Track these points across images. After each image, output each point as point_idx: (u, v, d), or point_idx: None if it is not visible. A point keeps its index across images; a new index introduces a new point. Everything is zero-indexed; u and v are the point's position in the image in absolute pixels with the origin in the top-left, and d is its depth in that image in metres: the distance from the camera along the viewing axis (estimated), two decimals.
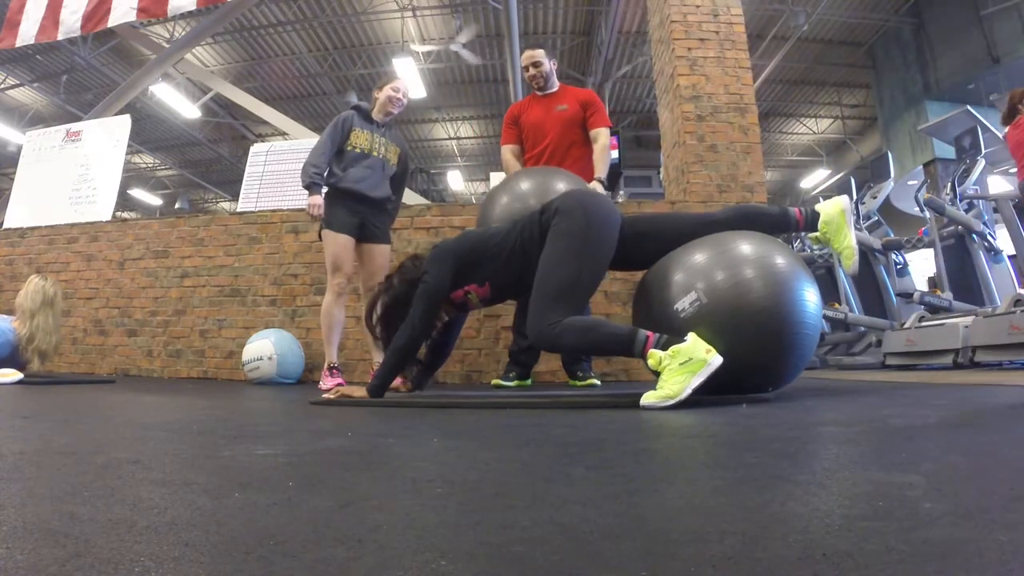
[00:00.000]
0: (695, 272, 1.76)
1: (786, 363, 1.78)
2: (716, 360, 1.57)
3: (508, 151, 3.25)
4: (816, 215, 1.99)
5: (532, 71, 3.21)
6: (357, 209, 2.97)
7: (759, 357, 1.72)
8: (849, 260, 1.97)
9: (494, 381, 3.07)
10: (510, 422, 1.44)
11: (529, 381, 3.05)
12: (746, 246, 1.79)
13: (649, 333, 1.65)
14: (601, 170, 3.03)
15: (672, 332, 1.69)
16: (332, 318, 2.94)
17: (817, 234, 1.99)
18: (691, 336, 1.61)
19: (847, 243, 1.95)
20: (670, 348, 1.59)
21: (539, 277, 1.81)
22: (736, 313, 1.68)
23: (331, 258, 2.92)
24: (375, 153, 3.01)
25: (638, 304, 1.98)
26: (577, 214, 1.85)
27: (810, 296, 1.76)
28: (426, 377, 2.28)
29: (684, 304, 1.73)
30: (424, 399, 2.01)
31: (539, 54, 3.23)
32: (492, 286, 1.99)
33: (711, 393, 1.62)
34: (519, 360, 2.99)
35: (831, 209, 1.98)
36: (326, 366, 2.94)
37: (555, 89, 3.25)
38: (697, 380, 1.55)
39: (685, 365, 1.56)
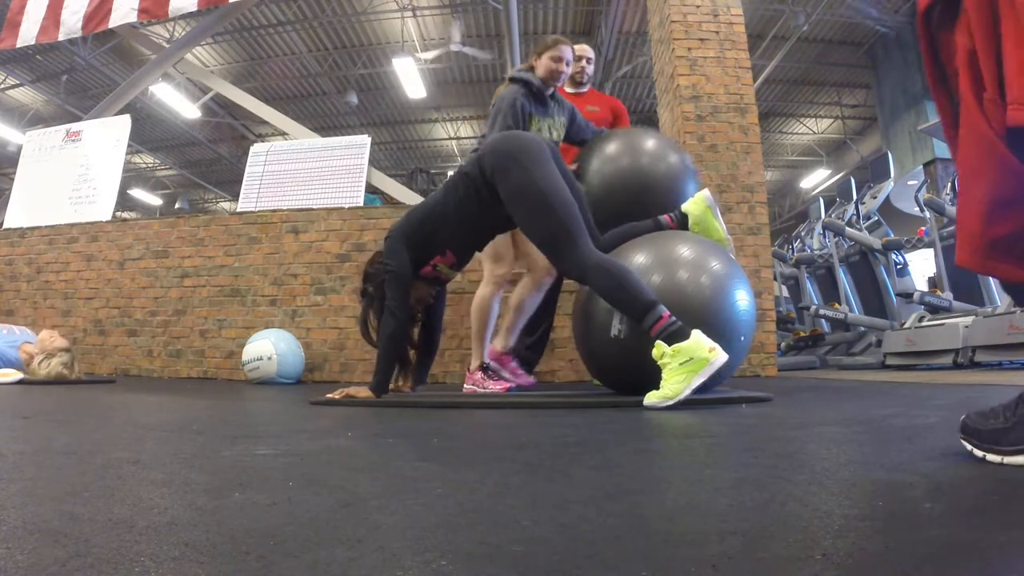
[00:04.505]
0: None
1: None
2: (719, 359, 1.55)
3: None
4: (685, 216, 2.06)
5: (582, 64, 3.08)
6: None
7: None
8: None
9: None
10: (510, 422, 1.43)
11: None
12: (685, 250, 1.87)
13: (664, 313, 1.62)
14: None
15: (614, 351, 1.77)
16: (488, 312, 2.66)
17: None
18: (695, 333, 1.58)
19: (719, 236, 2.04)
20: (673, 345, 1.57)
21: (536, 242, 1.89)
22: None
23: (493, 248, 2.59)
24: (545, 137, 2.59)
25: (575, 327, 2.03)
26: (513, 170, 1.87)
27: (742, 297, 1.83)
28: (423, 373, 2.30)
29: (616, 326, 1.78)
30: (424, 399, 2.01)
31: (590, 50, 3.15)
32: (453, 251, 2.05)
33: (636, 393, 1.65)
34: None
35: (696, 208, 2.05)
36: (476, 365, 2.60)
37: (587, 90, 3.19)
38: (698, 380, 1.54)
39: (686, 365, 1.54)
